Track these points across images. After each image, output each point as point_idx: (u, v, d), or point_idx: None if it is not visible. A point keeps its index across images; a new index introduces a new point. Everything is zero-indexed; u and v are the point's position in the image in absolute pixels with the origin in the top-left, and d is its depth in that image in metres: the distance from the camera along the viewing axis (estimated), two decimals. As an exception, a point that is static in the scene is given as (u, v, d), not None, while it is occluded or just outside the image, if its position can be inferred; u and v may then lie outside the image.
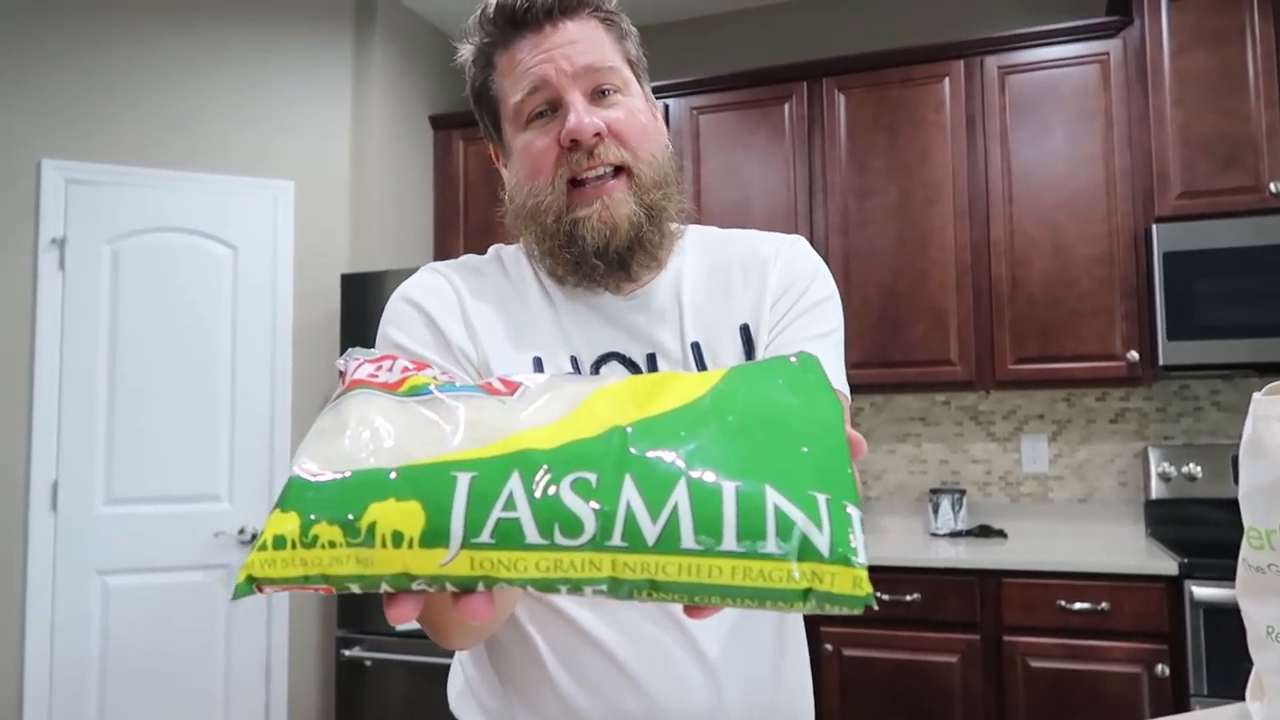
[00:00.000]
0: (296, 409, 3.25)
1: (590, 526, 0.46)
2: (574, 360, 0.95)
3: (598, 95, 0.93)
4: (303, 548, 0.47)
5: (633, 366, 0.96)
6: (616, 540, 0.46)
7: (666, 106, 3.36)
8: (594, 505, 0.46)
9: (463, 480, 0.47)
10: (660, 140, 0.97)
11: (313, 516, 0.47)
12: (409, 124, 3.65)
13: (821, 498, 0.47)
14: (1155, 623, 2.50)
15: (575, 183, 0.92)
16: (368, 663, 3.07)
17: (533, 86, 0.92)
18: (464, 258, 1.05)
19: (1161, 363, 2.72)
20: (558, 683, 0.92)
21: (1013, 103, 3.01)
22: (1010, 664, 2.61)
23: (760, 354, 0.97)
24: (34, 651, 2.88)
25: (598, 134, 0.90)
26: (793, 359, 0.57)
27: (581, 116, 0.90)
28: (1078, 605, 2.55)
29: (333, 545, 0.47)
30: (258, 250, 3.23)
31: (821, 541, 0.45)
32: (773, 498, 0.46)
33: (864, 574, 0.45)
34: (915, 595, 2.70)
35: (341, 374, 0.59)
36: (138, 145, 3.12)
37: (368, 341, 1.03)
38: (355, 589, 0.47)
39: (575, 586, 0.47)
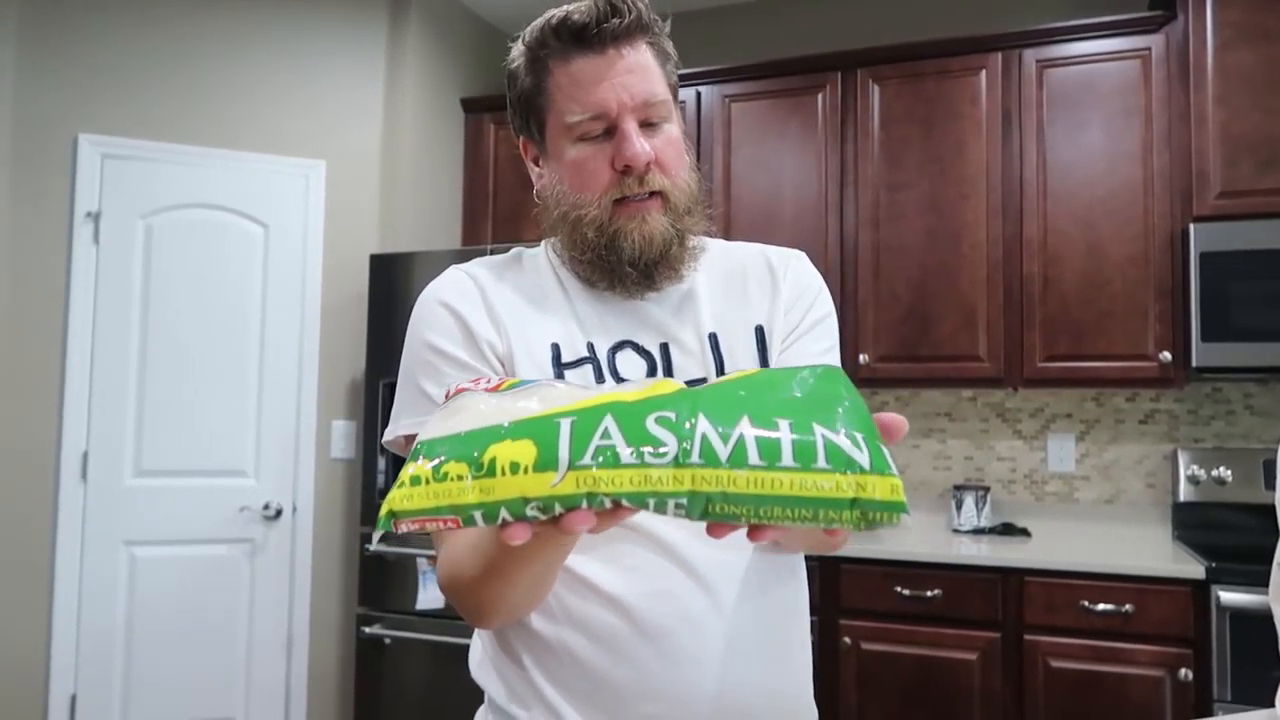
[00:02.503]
0: (323, 387, 3.28)
1: (672, 447, 0.56)
2: (590, 345, 1.01)
3: (647, 125, 0.98)
4: (435, 482, 0.57)
5: (646, 355, 1.01)
6: (695, 459, 0.55)
7: (699, 94, 3.34)
8: (674, 432, 0.56)
9: (565, 423, 0.57)
10: (689, 162, 1.04)
11: (442, 458, 0.57)
12: (441, 107, 3.66)
13: (858, 434, 0.57)
14: (1180, 627, 2.47)
15: (618, 200, 0.99)
16: (387, 640, 3.10)
17: (595, 113, 0.96)
18: (484, 258, 1.11)
19: (1195, 364, 2.68)
20: (576, 652, 0.95)
21: (1050, 97, 2.97)
22: (1031, 664, 2.59)
23: (774, 358, 1.04)
24: (61, 620, 2.93)
25: (648, 162, 0.97)
26: (818, 368, 0.65)
27: (637, 146, 0.96)
28: (1101, 607, 2.53)
29: (460, 479, 0.57)
30: (288, 229, 3.25)
31: (862, 459, 0.56)
32: (820, 431, 0.57)
33: (899, 482, 0.56)
34: (936, 591, 2.69)
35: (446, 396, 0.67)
36: (173, 122, 3.14)
37: (396, 322, 1.07)
38: (478, 517, 0.57)
39: (661, 501, 0.56)
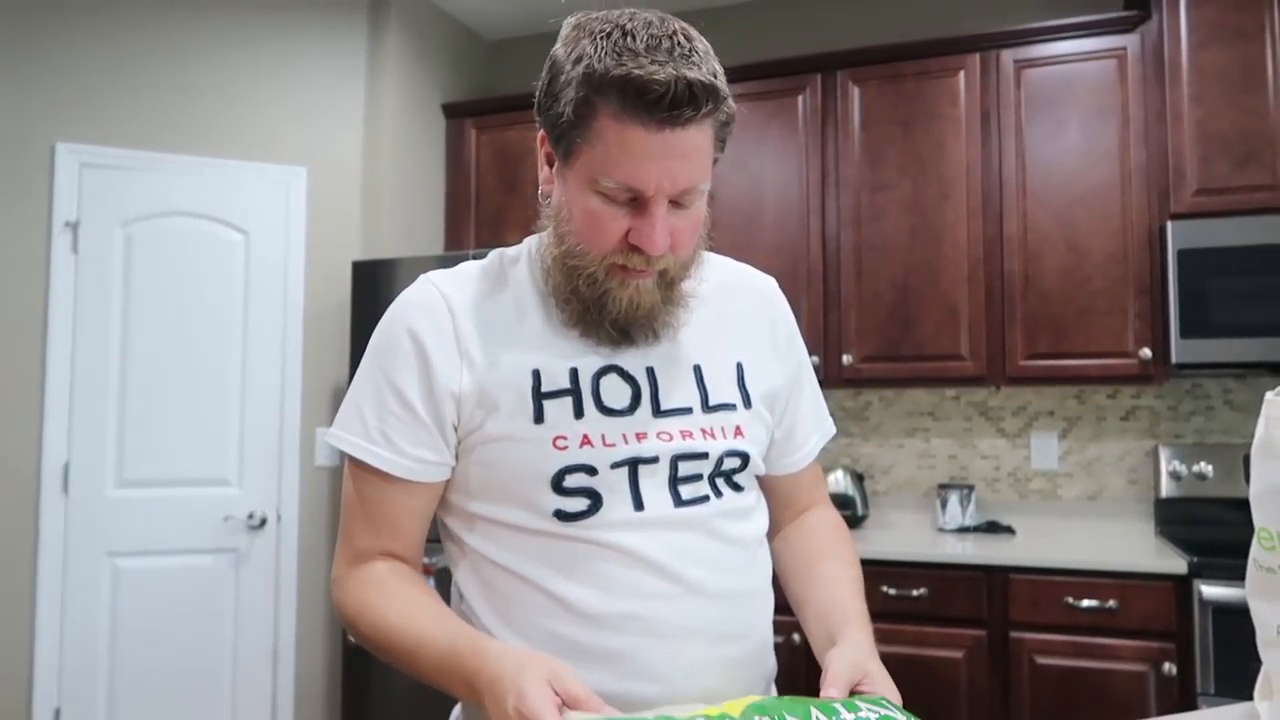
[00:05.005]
0: (306, 395, 3.26)
1: None
2: (573, 373, 0.98)
3: (676, 204, 0.93)
4: None
5: (631, 380, 1.00)
6: None
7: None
8: None
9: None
10: (704, 230, 1.01)
11: None
12: (422, 112, 3.65)
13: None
14: (1163, 621, 2.49)
15: (618, 264, 0.95)
16: (374, 649, 3.08)
17: (627, 188, 0.90)
18: (465, 267, 1.07)
19: (1174, 361, 2.70)
20: None
21: (1028, 97, 2.99)
22: (1017, 661, 2.60)
23: (757, 393, 1.06)
24: (44, 632, 2.90)
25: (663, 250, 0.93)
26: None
27: (658, 237, 0.91)
28: (1085, 603, 2.55)
29: None
30: (269, 236, 3.23)
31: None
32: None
33: None
34: (922, 590, 2.70)
35: None
36: (151, 130, 3.12)
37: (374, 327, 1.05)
38: None
39: None
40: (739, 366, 1.06)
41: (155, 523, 3.05)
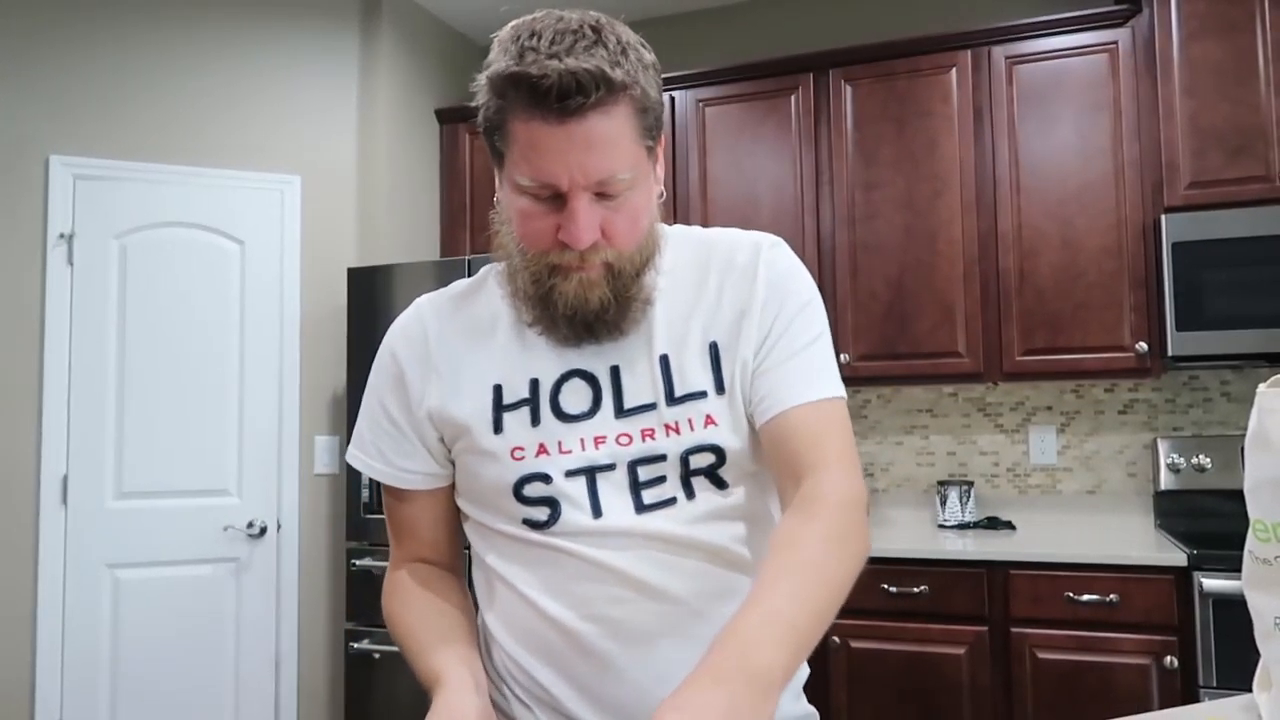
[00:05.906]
0: (304, 403, 3.26)
1: None
2: (534, 383, 1.00)
3: (603, 195, 0.91)
4: None
5: (593, 381, 1.00)
6: None
7: (673, 99, 3.35)
8: None
9: None
10: (652, 212, 0.97)
11: None
12: (415, 118, 3.65)
13: None
14: (1164, 614, 2.49)
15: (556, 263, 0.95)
16: (376, 655, 3.08)
17: (544, 184, 0.89)
18: (455, 285, 1.12)
19: (1170, 354, 2.71)
20: (528, 665, 1.00)
21: (1021, 93, 3.00)
22: (1018, 656, 2.60)
23: (733, 372, 0.98)
24: (45, 645, 2.90)
25: (592, 243, 0.91)
26: None
27: (581, 231, 0.89)
28: (1086, 597, 2.55)
29: None
30: (265, 245, 3.23)
31: None
32: None
33: None
34: (923, 587, 2.70)
35: None
36: (145, 141, 3.12)
37: (376, 335, 1.11)
38: None
39: None
40: (713, 347, 0.99)
41: (155, 533, 3.05)
